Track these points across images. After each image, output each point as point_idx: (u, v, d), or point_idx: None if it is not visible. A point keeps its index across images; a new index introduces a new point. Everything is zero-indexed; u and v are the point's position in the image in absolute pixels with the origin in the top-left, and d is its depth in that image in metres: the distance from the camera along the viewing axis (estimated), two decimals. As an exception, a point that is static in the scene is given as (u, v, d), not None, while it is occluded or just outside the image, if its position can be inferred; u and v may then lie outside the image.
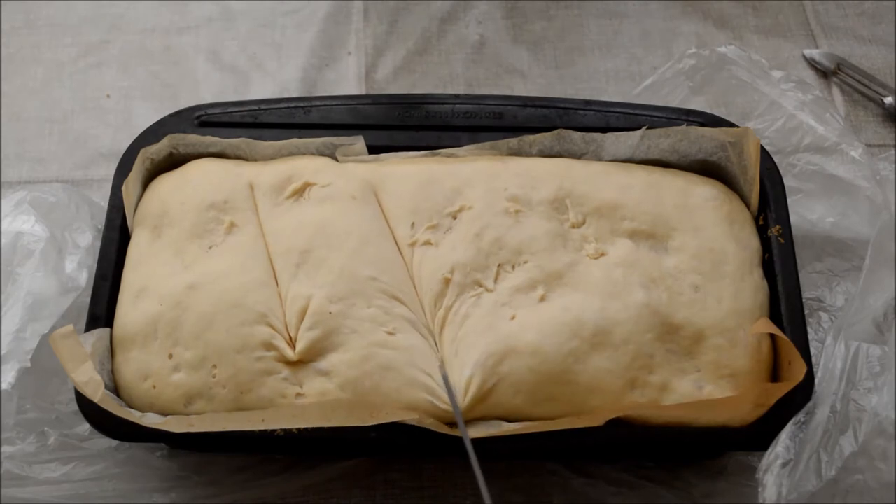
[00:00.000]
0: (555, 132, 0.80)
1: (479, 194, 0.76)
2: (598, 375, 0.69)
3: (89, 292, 0.75)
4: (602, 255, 0.75)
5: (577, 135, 0.80)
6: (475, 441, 0.66)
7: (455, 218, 0.76)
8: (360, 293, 0.72)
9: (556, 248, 0.74)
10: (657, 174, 0.79)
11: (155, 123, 0.83)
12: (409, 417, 0.67)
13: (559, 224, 0.76)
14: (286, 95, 1.01)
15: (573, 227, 0.76)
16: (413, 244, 0.75)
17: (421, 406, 0.69)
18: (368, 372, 0.69)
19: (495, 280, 0.73)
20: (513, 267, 0.74)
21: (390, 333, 0.71)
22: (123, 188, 0.77)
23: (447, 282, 0.73)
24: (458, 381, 0.70)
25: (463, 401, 0.69)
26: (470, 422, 0.69)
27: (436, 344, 0.72)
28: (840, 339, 0.74)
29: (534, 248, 0.74)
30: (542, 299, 0.72)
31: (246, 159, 0.81)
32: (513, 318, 0.71)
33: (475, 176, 0.77)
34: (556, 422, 0.67)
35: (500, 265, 0.73)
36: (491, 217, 0.75)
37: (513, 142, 0.80)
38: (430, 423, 0.67)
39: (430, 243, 0.75)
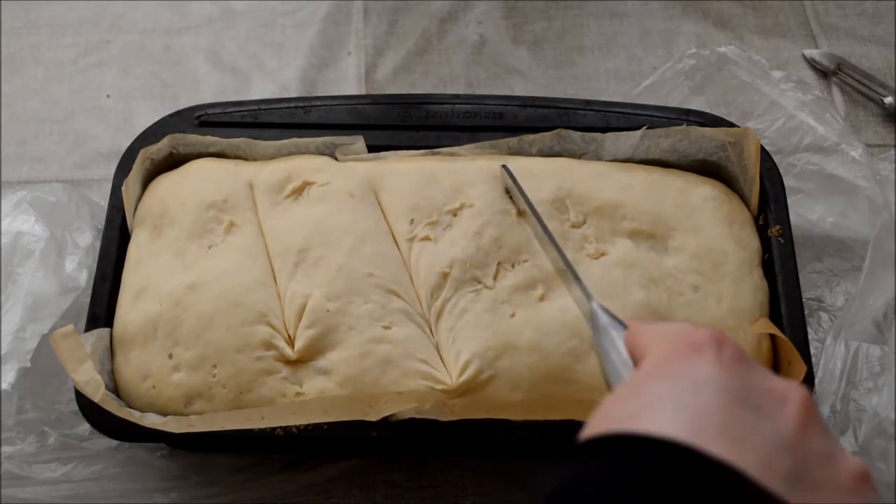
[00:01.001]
0: (555, 132, 0.80)
1: (479, 193, 0.76)
2: (598, 375, 0.69)
3: (89, 292, 0.75)
4: (602, 254, 0.75)
5: (577, 135, 0.80)
6: (474, 428, 0.67)
7: (455, 215, 0.76)
8: (358, 290, 0.72)
9: None
10: (657, 174, 0.79)
11: (155, 123, 0.83)
12: (408, 406, 0.67)
13: (559, 223, 0.76)
14: (286, 95, 1.01)
15: (573, 227, 0.76)
16: (412, 239, 0.75)
17: (419, 391, 0.68)
18: (367, 369, 0.69)
19: (495, 278, 0.73)
20: (513, 266, 0.74)
21: (386, 328, 0.71)
22: (123, 188, 0.77)
23: (445, 276, 0.73)
24: (453, 363, 0.70)
25: (456, 380, 0.69)
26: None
27: (431, 332, 0.72)
28: (840, 339, 0.74)
29: (534, 248, 0.74)
30: (542, 298, 0.72)
31: (246, 159, 0.81)
32: (512, 315, 0.71)
33: (475, 175, 0.77)
34: (558, 411, 0.68)
35: (499, 263, 0.73)
36: (491, 216, 0.75)
37: (512, 141, 0.80)
38: (428, 410, 0.67)
39: (430, 239, 0.75)
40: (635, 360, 0.49)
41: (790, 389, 0.43)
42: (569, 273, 0.64)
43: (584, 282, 0.61)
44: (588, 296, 0.59)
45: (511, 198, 0.76)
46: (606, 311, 0.54)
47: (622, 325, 0.53)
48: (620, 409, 0.42)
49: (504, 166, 0.76)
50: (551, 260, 0.71)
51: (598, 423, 0.42)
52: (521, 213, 0.75)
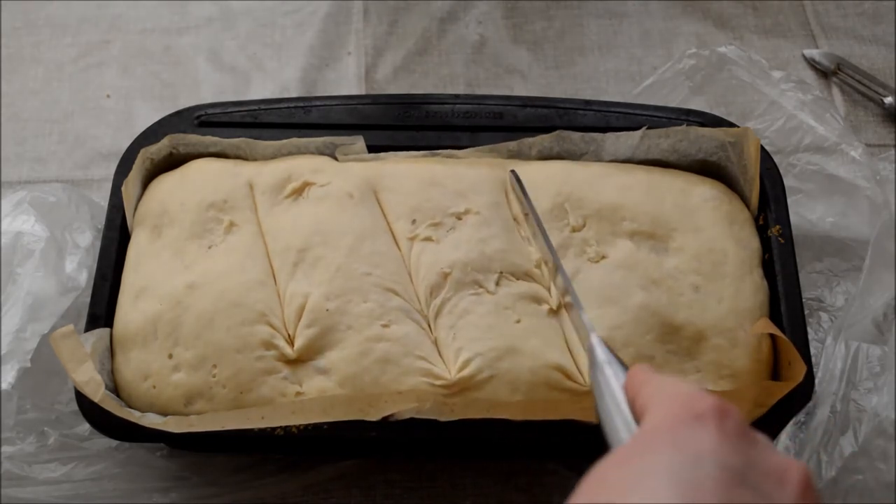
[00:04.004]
0: (554, 133, 0.80)
1: (485, 202, 0.76)
2: None
3: (89, 292, 0.75)
4: (603, 257, 0.74)
5: (576, 135, 0.80)
6: (474, 428, 0.67)
7: (460, 219, 0.76)
8: (357, 289, 0.72)
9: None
10: (657, 175, 0.79)
11: (155, 123, 0.83)
12: (408, 406, 0.67)
13: (559, 231, 0.75)
14: (286, 95, 1.01)
15: (574, 230, 0.76)
16: (413, 238, 0.75)
17: (418, 390, 0.68)
18: (367, 368, 0.69)
19: (497, 284, 0.73)
20: (516, 278, 0.73)
21: (385, 326, 0.71)
22: (123, 188, 0.77)
23: (445, 276, 0.73)
24: (453, 360, 0.70)
25: (454, 375, 0.69)
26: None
27: (430, 328, 0.72)
28: (840, 339, 0.74)
29: (538, 272, 0.74)
30: (551, 315, 0.72)
31: (246, 159, 0.81)
32: (518, 321, 0.71)
33: (478, 182, 0.77)
34: (557, 411, 0.68)
35: (501, 273, 0.73)
36: (499, 230, 0.75)
37: (512, 145, 0.80)
38: (428, 410, 0.67)
39: (431, 240, 0.75)
40: (634, 412, 0.48)
41: (791, 469, 0.42)
42: (571, 298, 0.63)
43: (583, 309, 0.60)
44: (589, 328, 0.58)
45: (519, 201, 0.76)
46: (606, 347, 0.54)
47: (623, 365, 0.52)
48: (615, 476, 0.42)
49: (513, 172, 0.75)
50: (553, 281, 0.70)
51: (591, 490, 0.42)
52: (525, 216, 0.74)
